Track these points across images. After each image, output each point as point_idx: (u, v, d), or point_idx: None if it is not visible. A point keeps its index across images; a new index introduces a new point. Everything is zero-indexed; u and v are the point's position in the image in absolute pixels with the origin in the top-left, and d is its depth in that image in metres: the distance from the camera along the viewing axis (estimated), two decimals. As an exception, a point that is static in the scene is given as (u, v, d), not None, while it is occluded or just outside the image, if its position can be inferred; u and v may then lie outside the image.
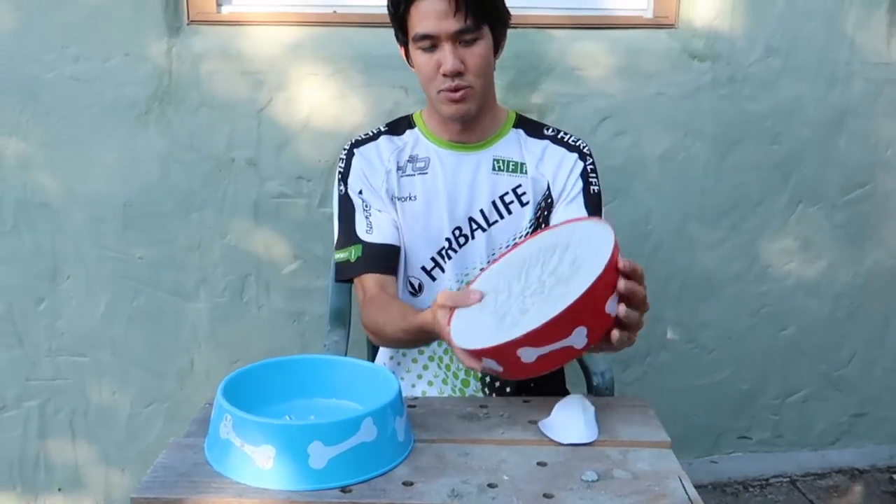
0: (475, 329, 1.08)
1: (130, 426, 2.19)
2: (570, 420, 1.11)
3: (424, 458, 1.06)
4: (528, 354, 0.99)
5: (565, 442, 1.09)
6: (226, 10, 2.04)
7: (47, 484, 2.20)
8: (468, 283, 1.23)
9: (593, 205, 1.49)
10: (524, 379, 1.05)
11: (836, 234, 2.33)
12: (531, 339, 0.98)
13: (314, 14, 2.04)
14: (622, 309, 1.03)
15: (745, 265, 2.31)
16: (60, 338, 2.11)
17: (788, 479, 2.41)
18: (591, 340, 1.01)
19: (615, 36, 2.13)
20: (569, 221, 1.20)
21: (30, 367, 2.12)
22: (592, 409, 1.14)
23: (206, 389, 2.15)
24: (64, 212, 2.04)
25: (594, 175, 1.51)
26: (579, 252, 1.08)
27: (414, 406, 1.22)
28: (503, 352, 1.00)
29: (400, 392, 1.08)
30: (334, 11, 2.06)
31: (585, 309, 0.98)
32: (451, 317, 1.13)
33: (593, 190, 1.50)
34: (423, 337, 1.28)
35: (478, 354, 1.04)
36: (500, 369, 1.04)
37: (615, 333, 1.04)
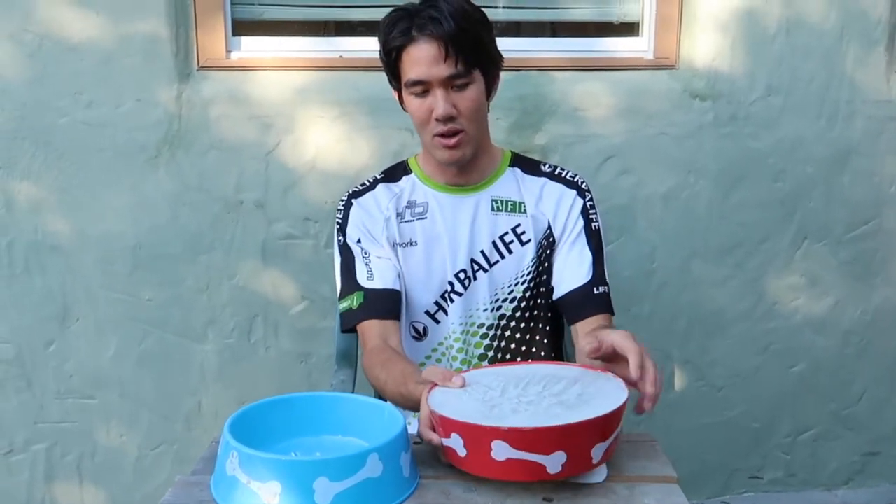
0: (457, 406, 1.09)
1: (138, 469, 2.19)
2: None
3: (430, 494, 1.06)
4: (501, 451, 0.99)
5: (574, 481, 1.09)
6: (235, 55, 2.09)
7: (54, 528, 2.20)
8: (460, 370, 1.24)
9: (595, 241, 1.51)
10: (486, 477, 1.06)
11: (842, 271, 2.33)
12: (514, 436, 0.98)
13: (321, 59, 2.09)
14: None
15: (751, 302, 2.31)
16: (69, 380, 2.12)
17: (802, 519, 2.38)
18: (564, 473, 1.01)
19: (617, 77, 2.16)
20: (586, 367, 1.21)
21: (38, 409, 2.13)
22: None
23: (213, 431, 2.13)
24: (74, 254, 2.06)
25: (594, 211, 1.53)
26: (589, 391, 1.11)
27: (419, 443, 1.22)
28: (480, 436, 1.01)
29: (405, 428, 1.08)
30: (340, 56, 2.10)
31: (577, 438, 1.00)
32: (431, 388, 1.15)
33: (594, 227, 1.51)
34: (416, 407, 1.23)
35: (451, 427, 1.04)
36: (463, 454, 1.04)
37: None
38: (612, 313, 1.51)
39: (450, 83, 1.38)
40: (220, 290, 2.11)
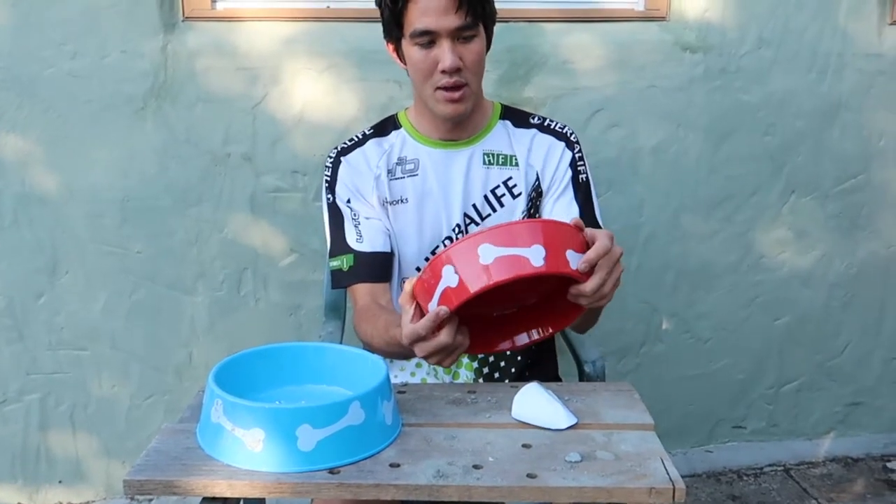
0: None
1: (130, 419, 2.22)
2: (549, 407, 1.12)
3: (412, 441, 1.08)
4: (487, 253, 1.05)
5: (554, 428, 1.11)
6: (220, 6, 2.06)
7: (48, 476, 2.23)
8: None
9: (583, 193, 1.51)
10: (481, 295, 1.06)
11: (829, 225, 2.34)
12: (496, 233, 1.06)
13: (308, 10, 2.06)
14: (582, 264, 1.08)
15: (739, 256, 2.32)
16: (60, 332, 2.14)
17: (783, 467, 2.43)
18: (547, 268, 1.05)
19: (607, 29, 2.14)
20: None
21: (30, 361, 2.15)
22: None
23: (204, 382, 2.16)
24: (63, 207, 2.06)
25: (582, 163, 1.53)
26: None
27: (403, 392, 1.24)
28: (467, 247, 1.06)
29: (388, 377, 1.10)
30: (328, 7, 2.08)
31: (549, 233, 1.07)
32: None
33: (581, 178, 1.52)
34: (402, 351, 1.22)
35: (439, 264, 1.07)
36: (456, 281, 1.06)
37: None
38: None
39: (457, 35, 1.36)
40: (209, 243, 2.12)
